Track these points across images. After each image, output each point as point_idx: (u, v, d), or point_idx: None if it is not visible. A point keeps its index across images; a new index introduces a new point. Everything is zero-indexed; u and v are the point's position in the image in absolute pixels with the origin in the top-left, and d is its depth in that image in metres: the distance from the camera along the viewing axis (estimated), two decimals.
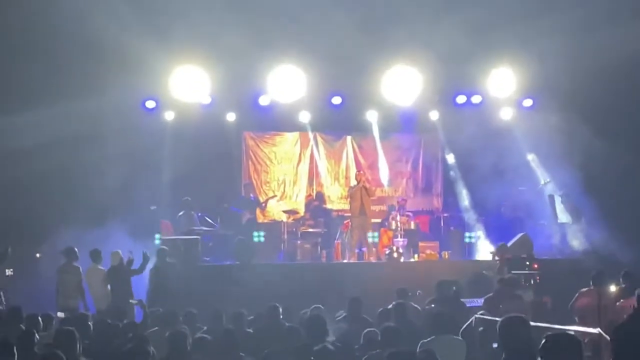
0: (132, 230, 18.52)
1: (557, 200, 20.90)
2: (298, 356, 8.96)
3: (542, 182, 21.40)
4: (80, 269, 16.71)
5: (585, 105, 19.85)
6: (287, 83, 21.02)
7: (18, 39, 18.54)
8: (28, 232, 19.00)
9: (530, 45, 19.81)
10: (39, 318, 11.49)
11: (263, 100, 21.41)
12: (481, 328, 12.03)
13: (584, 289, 14.04)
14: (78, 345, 8.95)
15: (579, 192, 20.11)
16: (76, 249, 16.78)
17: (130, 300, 15.46)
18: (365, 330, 10.24)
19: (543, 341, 5.64)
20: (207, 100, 21.09)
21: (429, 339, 9.94)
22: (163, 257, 17.29)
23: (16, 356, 8.21)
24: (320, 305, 12.62)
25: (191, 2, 18.71)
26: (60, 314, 14.55)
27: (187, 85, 20.65)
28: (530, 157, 21.88)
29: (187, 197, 20.82)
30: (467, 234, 21.51)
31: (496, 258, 18.25)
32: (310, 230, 21.38)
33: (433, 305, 13.73)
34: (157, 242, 19.05)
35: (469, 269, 18.23)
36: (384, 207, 23.27)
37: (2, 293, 15.67)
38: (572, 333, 6.51)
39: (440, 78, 21.23)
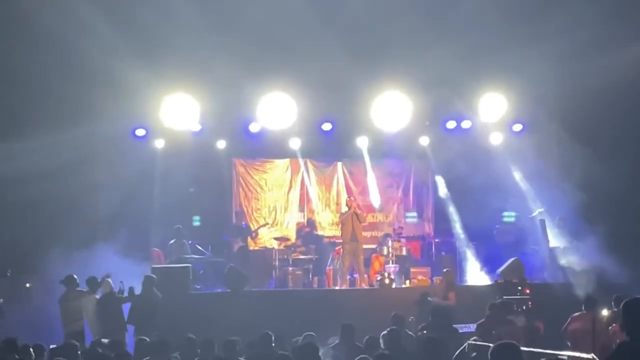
0: (122, 256, 18.44)
1: (549, 224, 20.87)
2: None
3: (536, 212, 21.34)
4: (82, 292, 16.66)
5: (576, 128, 19.93)
6: (277, 110, 21.05)
7: (9, 67, 18.53)
8: (17, 261, 18.88)
9: (519, 70, 19.89)
10: (31, 349, 11.41)
11: (253, 127, 21.41)
12: (474, 354, 11.97)
13: (577, 314, 14.06)
14: None
15: (574, 215, 20.08)
16: (75, 276, 16.70)
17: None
18: (358, 358, 10.17)
19: None
20: (197, 127, 21.09)
21: None
22: (149, 285, 17.20)
23: None
24: (312, 333, 12.58)
25: (181, 31, 18.76)
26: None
27: (178, 112, 20.66)
28: (521, 180, 21.86)
29: (178, 225, 20.79)
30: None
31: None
32: (302, 256, 21.35)
33: (425, 332, 13.69)
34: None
35: (463, 294, 18.20)
36: (375, 233, 23.21)
37: None
38: (565, 358, 6.50)
39: (430, 104, 21.29)
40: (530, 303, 16.36)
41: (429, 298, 17.08)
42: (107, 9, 18.44)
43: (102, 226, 19.44)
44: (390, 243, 21.25)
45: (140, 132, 20.86)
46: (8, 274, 16.10)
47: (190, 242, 20.93)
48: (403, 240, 22.00)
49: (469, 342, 12.58)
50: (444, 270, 19.31)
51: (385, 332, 12.51)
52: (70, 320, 16.32)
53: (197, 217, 21.46)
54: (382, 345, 11.64)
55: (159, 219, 20.87)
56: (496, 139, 22.38)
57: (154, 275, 17.49)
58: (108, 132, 19.39)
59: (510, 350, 6.73)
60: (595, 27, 18.66)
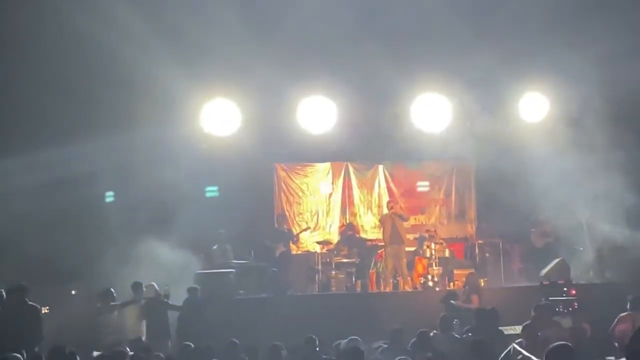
0: (165, 265, 18.52)
1: (595, 226, 20.62)
2: None
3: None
4: (117, 305, 16.73)
5: (622, 128, 19.67)
6: (317, 113, 21.05)
7: (52, 75, 18.71)
8: (62, 268, 19.02)
9: (562, 71, 19.70)
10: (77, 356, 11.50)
11: (293, 132, 21.41)
12: (520, 356, 11.87)
13: (623, 314, 13.88)
14: None
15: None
16: (112, 290, 16.80)
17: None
18: (398, 358, 10.14)
19: None
20: (238, 132, 21.12)
21: None
22: (194, 293, 17.29)
23: None
24: (357, 337, 12.54)
25: (221, 36, 18.78)
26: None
27: (218, 118, 20.74)
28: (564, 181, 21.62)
29: (221, 230, 20.85)
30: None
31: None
32: (344, 260, 21.31)
33: (470, 334, 13.61)
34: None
35: (508, 296, 18.09)
36: (417, 235, 23.11)
37: None
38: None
39: (470, 104, 21.14)
40: (576, 304, 16.19)
41: (452, 301, 17.03)
42: (148, 16, 18.53)
43: (142, 232, 19.46)
44: (432, 245, 21.15)
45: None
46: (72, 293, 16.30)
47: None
48: (442, 241, 21.86)
49: (514, 344, 12.49)
50: (468, 272, 19.28)
51: (432, 334, 12.47)
52: (106, 334, 16.36)
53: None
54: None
55: (202, 224, 20.85)
56: (538, 138, 22.16)
57: (197, 286, 17.57)
58: (150, 138, 19.44)
59: (566, 352, 6.67)
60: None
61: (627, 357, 6.13)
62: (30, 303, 14.96)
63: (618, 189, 19.23)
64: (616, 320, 14.02)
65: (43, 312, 15.63)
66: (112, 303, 16.67)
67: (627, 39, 18.57)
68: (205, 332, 15.30)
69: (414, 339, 12.06)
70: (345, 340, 12.47)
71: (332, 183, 24.00)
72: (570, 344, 6.87)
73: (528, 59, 19.60)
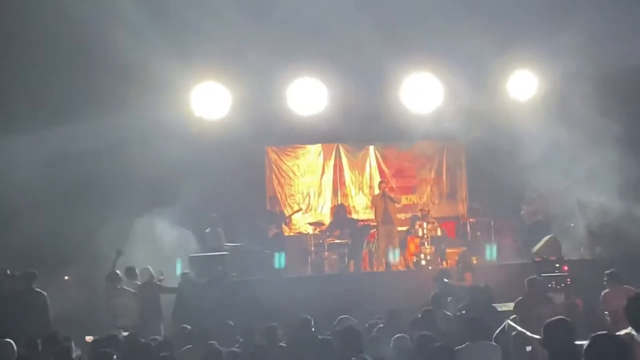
0: (157, 249, 18.54)
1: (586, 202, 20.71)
2: None
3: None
4: (127, 290, 16.80)
5: (609, 107, 19.72)
6: (307, 95, 21.03)
7: (43, 57, 18.67)
8: (54, 255, 19.01)
9: (552, 50, 19.74)
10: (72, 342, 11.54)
11: (284, 114, 21.41)
12: (514, 332, 11.98)
13: (607, 290, 14.01)
14: None
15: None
16: (118, 272, 16.88)
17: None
18: (395, 337, 10.20)
19: (588, 343, 5.60)
20: (228, 115, 21.09)
21: (463, 345, 9.93)
22: (188, 278, 17.36)
23: None
24: (347, 316, 12.60)
25: (211, 18, 18.72)
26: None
27: (209, 101, 20.72)
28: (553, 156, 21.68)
29: (213, 213, 20.87)
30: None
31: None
32: (337, 241, 21.42)
33: (464, 312, 13.69)
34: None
35: (501, 273, 18.19)
36: (409, 215, 23.19)
37: None
38: (621, 334, 6.49)
39: (460, 83, 21.15)
40: (569, 280, 16.30)
41: (445, 279, 17.14)
42: None
43: (136, 216, 19.43)
44: (425, 224, 21.23)
45: None
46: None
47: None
48: (434, 221, 21.94)
49: (509, 320, 12.59)
50: (460, 251, 19.42)
51: (424, 312, 12.53)
52: (119, 314, 16.42)
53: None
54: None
55: (192, 209, 20.83)
56: (528, 116, 22.20)
57: (189, 272, 17.64)
58: (140, 121, 19.39)
59: (565, 327, 6.73)
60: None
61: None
62: (37, 290, 15.01)
63: (608, 165, 19.30)
64: (602, 296, 14.13)
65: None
66: (119, 286, 16.73)
67: (614, 15, 18.60)
68: (201, 314, 15.33)
69: (416, 317, 12.12)
70: (337, 320, 12.54)
71: (323, 164, 24.03)
72: (568, 319, 6.92)
73: (517, 37, 19.57)
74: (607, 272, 14.45)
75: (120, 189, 19.33)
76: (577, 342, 6.52)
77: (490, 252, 20.99)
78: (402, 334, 10.35)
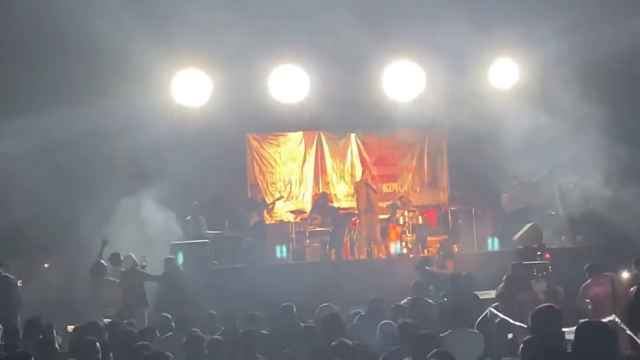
0: (140, 236, 18.46)
1: (567, 189, 20.78)
2: (316, 355, 8.91)
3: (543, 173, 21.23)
4: (113, 281, 16.74)
5: (592, 92, 19.77)
6: (289, 83, 20.97)
7: (17, 43, 18.51)
8: (35, 242, 18.92)
9: (533, 37, 19.76)
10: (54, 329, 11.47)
11: (265, 101, 21.33)
12: (497, 320, 12.00)
13: (589, 281, 14.07)
14: (99, 355, 8.89)
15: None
16: (103, 262, 16.82)
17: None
18: (381, 323, 10.20)
19: (576, 329, 5.61)
20: (209, 103, 21.00)
21: (446, 332, 9.93)
22: (171, 265, 17.28)
23: None
24: (329, 304, 12.58)
25: (190, 5, 18.63)
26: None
27: (189, 88, 20.62)
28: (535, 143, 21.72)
29: (194, 201, 20.79)
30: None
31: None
32: (318, 229, 21.39)
33: (446, 299, 13.71)
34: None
35: (482, 261, 18.24)
36: (390, 203, 23.16)
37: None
38: (606, 321, 6.52)
39: (442, 71, 21.15)
40: (550, 268, 16.33)
41: (426, 267, 17.17)
42: None
43: (116, 203, 19.33)
44: (406, 213, 21.24)
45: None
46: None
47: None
48: (414, 209, 21.94)
49: (491, 308, 12.61)
50: (441, 239, 19.46)
51: (406, 300, 12.54)
52: (103, 305, 16.36)
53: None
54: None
55: (173, 197, 20.73)
56: (509, 104, 22.22)
57: (173, 257, 17.55)
58: (119, 108, 19.25)
59: (553, 314, 6.74)
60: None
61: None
62: (3, 274, 14.92)
63: (590, 152, 19.37)
64: (588, 282, 14.18)
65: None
66: (104, 277, 16.67)
67: (595, 3, 18.64)
68: (183, 302, 15.28)
69: (397, 304, 12.13)
70: (319, 307, 12.52)
71: (305, 152, 23.97)
72: (556, 306, 6.94)
73: (498, 25, 19.57)
74: (585, 267, 14.51)
75: (101, 176, 19.25)
76: (563, 329, 6.53)
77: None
78: (388, 321, 10.35)
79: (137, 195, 19.04)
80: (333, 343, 8.76)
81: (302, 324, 11.05)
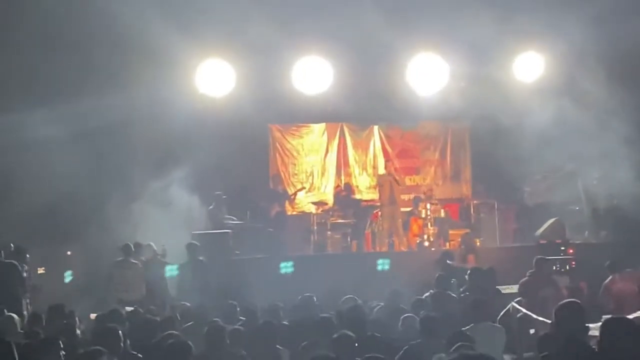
0: (163, 223, 18.48)
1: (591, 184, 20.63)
2: (337, 347, 8.87)
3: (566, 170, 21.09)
4: (139, 265, 16.75)
5: (618, 85, 19.62)
6: (312, 74, 20.93)
7: (48, 36, 18.54)
8: (58, 229, 18.98)
9: (557, 29, 19.61)
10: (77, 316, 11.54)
11: (288, 92, 21.31)
12: (520, 314, 11.94)
13: (610, 278, 13.97)
14: (121, 343, 8.93)
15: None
16: (131, 244, 16.80)
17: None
18: (404, 316, 10.16)
19: (602, 325, 5.56)
20: (233, 93, 20.99)
21: (467, 327, 9.89)
22: (193, 251, 17.23)
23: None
24: (353, 296, 12.56)
25: None
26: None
27: (213, 78, 20.62)
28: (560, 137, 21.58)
29: (218, 191, 20.80)
30: None
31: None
32: (340, 221, 21.37)
33: (468, 293, 13.64)
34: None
35: (504, 256, 18.16)
36: (412, 196, 23.07)
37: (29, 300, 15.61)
38: (632, 318, 6.46)
39: (466, 64, 21.04)
40: (573, 263, 16.25)
41: (448, 261, 17.09)
42: None
43: (140, 192, 19.37)
44: (428, 206, 21.19)
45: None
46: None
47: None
48: (437, 202, 21.89)
49: (514, 303, 12.55)
50: (463, 232, 19.39)
51: (428, 294, 12.50)
52: (122, 289, 16.37)
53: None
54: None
55: (196, 185, 20.76)
56: (533, 97, 22.09)
57: (196, 242, 17.50)
58: (144, 98, 19.28)
59: (575, 309, 6.69)
60: None
61: None
62: (5, 261, 15.04)
63: (614, 147, 19.23)
64: (610, 279, 14.08)
65: (25, 269, 15.62)
66: (133, 260, 16.68)
67: None
68: (203, 292, 15.27)
69: (419, 298, 12.10)
70: (343, 299, 12.50)
71: (327, 144, 23.94)
72: (579, 301, 6.88)
73: (523, 18, 19.46)
74: (606, 264, 14.41)
75: (125, 165, 19.29)
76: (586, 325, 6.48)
77: None
78: (411, 314, 10.31)
79: (162, 183, 19.08)
80: (354, 337, 8.71)
81: (321, 315, 11.00)
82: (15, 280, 15.07)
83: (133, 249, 16.74)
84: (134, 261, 16.67)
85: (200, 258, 16.84)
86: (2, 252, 15.39)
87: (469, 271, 14.52)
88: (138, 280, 16.47)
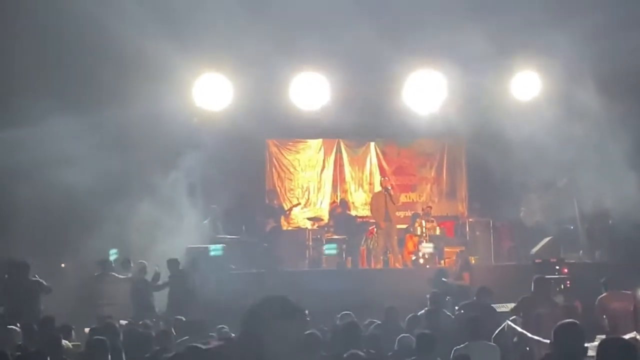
0: (158, 236, 18.48)
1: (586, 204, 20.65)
2: None
3: (562, 182, 21.13)
4: (118, 278, 16.76)
5: (614, 102, 19.65)
6: (310, 90, 20.96)
7: (44, 51, 18.57)
8: (52, 242, 18.96)
9: (554, 48, 19.66)
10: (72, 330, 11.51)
11: (286, 107, 21.33)
12: (515, 334, 11.93)
13: (604, 294, 13.96)
14: (109, 355, 8.91)
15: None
16: (111, 259, 16.86)
17: None
18: (400, 336, 10.15)
19: (598, 346, 5.56)
20: (230, 107, 21.01)
21: (462, 345, 9.88)
22: (175, 267, 17.26)
23: None
24: (350, 312, 12.55)
25: (213, 11, 18.65)
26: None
27: (210, 93, 20.64)
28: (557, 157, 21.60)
29: (213, 205, 20.78)
30: None
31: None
32: (335, 236, 21.32)
33: (463, 311, 13.63)
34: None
35: (499, 274, 18.15)
36: (408, 213, 23.08)
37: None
38: (627, 338, 6.45)
39: (463, 82, 21.08)
40: (568, 283, 16.24)
41: (443, 279, 17.08)
42: None
43: (135, 207, 19.35)
44: (424, 223, 21.19)
45: None
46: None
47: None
48: (433, 219, 21.88)
49: (509, 321, 12.53)
50: (458, 250, 19.38)
51: (423, 311, 12.48)
52: (103, 303, 16.37)
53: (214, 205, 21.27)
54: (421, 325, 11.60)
55: (193, 199, 20.74)
56: (530, 116, 22.11)
57: (176, 258, 17.50)
58: (141, 113, 19.28)
59: (573, 329, 6.67)
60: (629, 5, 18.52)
61: None
62: (32, 279, 15.05)
63: (611, 165, 19.25)
64: (603, 297, 14.07)
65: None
66: (113, 273, 16.69)
67: (616, 11, 18.50)
68: (197, 306, 15.27)
69: (414, 315, 12.07)
70: (339, 315, 12.49)
71: (324, 160, 23.95)
72: (578, 322, 6.87)
73: (520, 36, 19.49)
74: (602, 280, 14.41)
75: (122, 179, 19.27)
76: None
77: None
78: (407, 335, 10.29)
79: (158, 197, 19.07)
80: (345, 355, 8.67)
81: (316, 331, 10.96)
82: (40, 298, 15.14)
83: (113, 264, 16.80)
84: (113, 274, 16.70)
85: (182, 270, 16.94)
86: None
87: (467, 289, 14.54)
88: (119, 294, 16.49)
